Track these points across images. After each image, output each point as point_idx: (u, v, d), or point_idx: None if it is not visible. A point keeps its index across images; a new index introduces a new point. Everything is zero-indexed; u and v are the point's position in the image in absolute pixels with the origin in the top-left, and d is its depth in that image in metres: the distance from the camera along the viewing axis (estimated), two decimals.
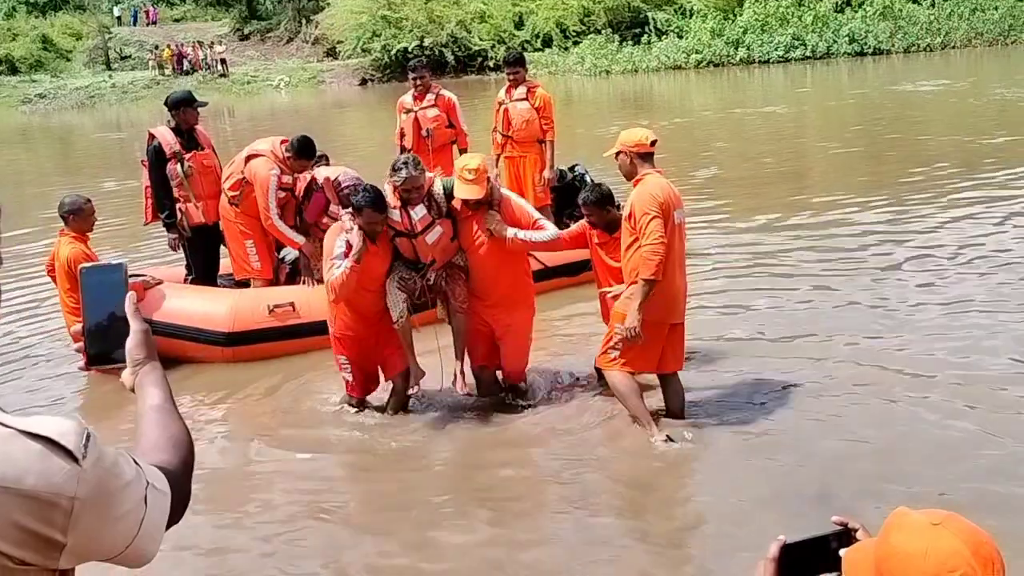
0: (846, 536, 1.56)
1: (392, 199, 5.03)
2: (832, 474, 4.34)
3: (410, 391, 5.31)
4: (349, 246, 4.94)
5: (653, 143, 4.78)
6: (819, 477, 4.32)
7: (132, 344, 1.46)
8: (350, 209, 5.03)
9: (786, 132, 16.55)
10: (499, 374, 5.52)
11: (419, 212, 5.03)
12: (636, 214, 4.55)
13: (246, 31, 45.81)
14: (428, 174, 5.16)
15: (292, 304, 6.40)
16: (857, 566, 1.53)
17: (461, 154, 8.28)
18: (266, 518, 4.41)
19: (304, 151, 6.55)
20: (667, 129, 17.44)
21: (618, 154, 4.80)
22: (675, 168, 12.61)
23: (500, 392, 5.51)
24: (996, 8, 31.94)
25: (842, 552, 1.52)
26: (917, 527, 1.45)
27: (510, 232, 5.01)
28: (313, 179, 6.68)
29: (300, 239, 6.67)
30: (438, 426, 5.24)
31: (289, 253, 7.15)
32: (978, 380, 5.16)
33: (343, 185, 6.45)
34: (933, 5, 33.15)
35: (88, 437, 1.09)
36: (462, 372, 5.25)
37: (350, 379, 5.33)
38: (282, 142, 6.63)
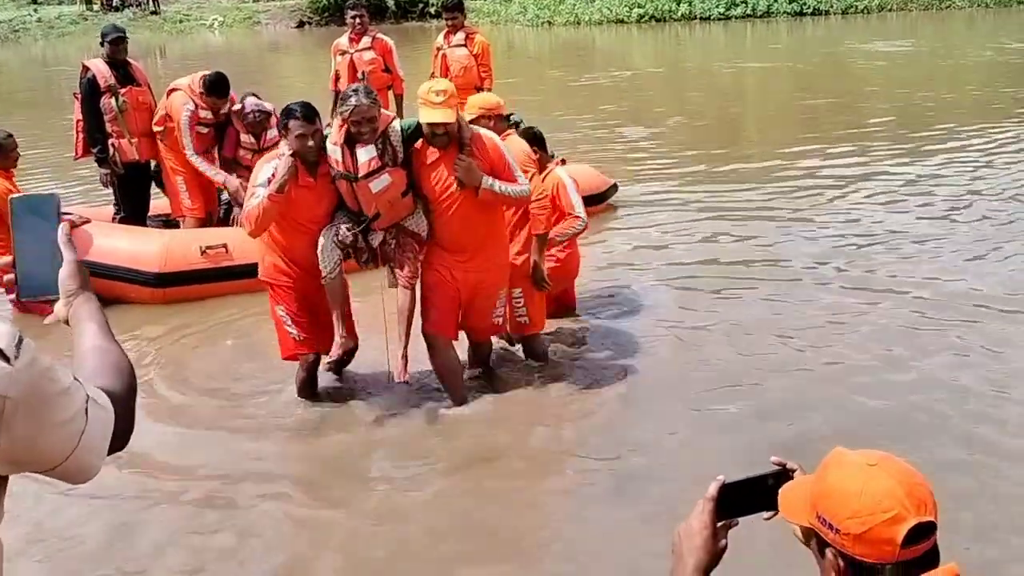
0: (784, 476, 1.61)
1: (337, 135, 4.31)
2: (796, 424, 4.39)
3: (328, 357, 4.64)
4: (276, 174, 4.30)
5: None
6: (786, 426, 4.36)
7: (65, 275, 1.45)
8: (281, 130, 4.37)
9: (812, 88, 16.68)
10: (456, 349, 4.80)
11: (367, 153, 4.28)
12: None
13: None
14: (385, 112, 4.48)
15: (225, 246, 6.33)
16: (793, 503, 1.58)
17: (397, 99, 8.22)
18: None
19: (214, 88, 6.47)
20: (611, 83, 17.48)
21: (479, 119, 4.82)
22: (620, 120, 12.74)
23: (459, 374, 4.77)
24: None
25: (781, 491, 1.58)
26: (854, 467, 1.49)
27: (486, 181, 4.30)
28: (225, 113, 6.62)
29: (220, 176, 6.61)
30: (368, 422, 4.64)
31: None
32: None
33: (246, 111, 6.40)
34: None
35: (20, 339, 1.09)
36: (404, 356, 4.56)
37: (294, 333, 4.56)
38: (201, 78, 6.55)
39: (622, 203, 8.32)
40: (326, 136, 4.36)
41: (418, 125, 4.34)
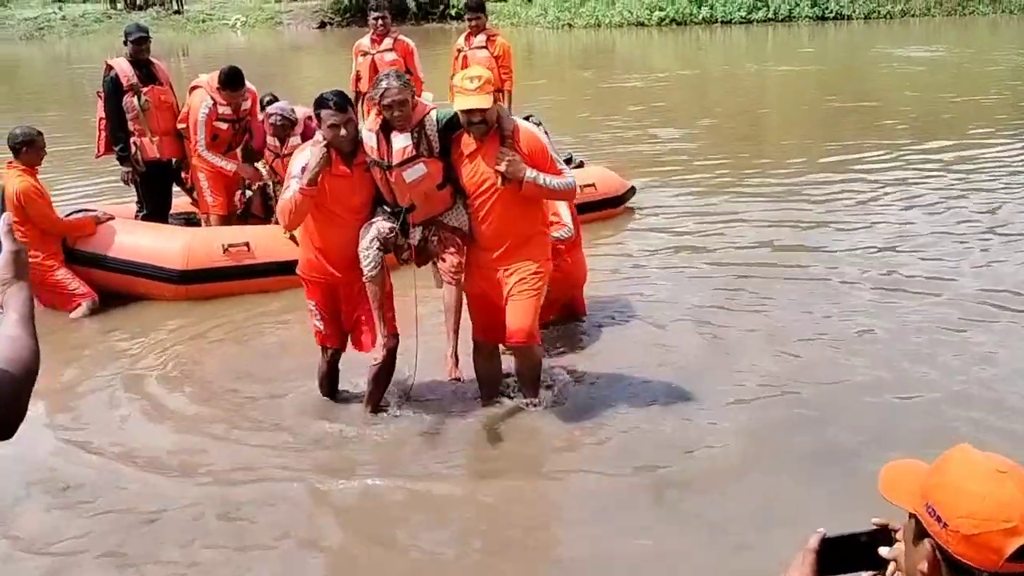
0: (884, 536, 1.56)
1: (372, 122, 4.20)
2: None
3: (373, 361, 4.43)
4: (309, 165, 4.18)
5: None
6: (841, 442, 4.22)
7: (1, 264, 1.51)
8: (315, 121, 4.27)
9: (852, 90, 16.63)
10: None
11: (402, 141, 4.13)
12: None
13: None
14: (423, 99, 4.37)
15: (247, 244, 6.37)
16: (900, 484, 1.53)
17: None
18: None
19: (229, 80, 6.57)
20: (635, 85, 17.46)
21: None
22: (640, 123, 12.72)
23: (498, 382, 4.69)
24: None
25: (882, 551, 1.53)
26: (981, 469, 1.44)
27: (530, 173, 4.09)
28: (245, 110, 6.74)
29: (231, 164, 6.74)
30: (416, 427, 4.49)
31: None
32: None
33: (270, 113, 6.47)
34: None
35: None
36: (454, 354, 4.34)
37: (320, 327, 4.55)
38: (219, 73, 6.65)
39: (645, 206, 8.34)
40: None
41: (455, 114, 4.14)
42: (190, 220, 7.19)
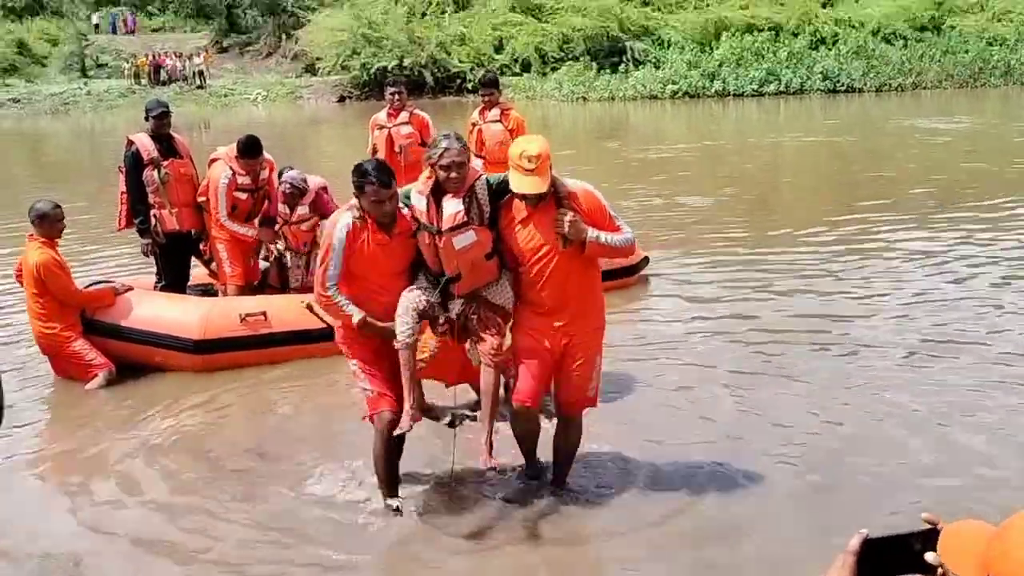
0: (933, 536, 1.43)
1: (423, 185, 4.02)
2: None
3: (398, 430, 4.10)
4: (354, 230, 3.99)
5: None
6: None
7: None
8: (353, 192, 4.04)
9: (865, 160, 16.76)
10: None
11: (453, 205, 3.96)
12: None
13: (225, 44, 45.75)
14: (475, 163, 4.20)
15: (264, 313, 6.40)
16: (959, 552, 1.40)
17: None
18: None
19: (246, 150, 6.70)
20: (649, 156, 17.63)
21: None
22: (656, 193, 12.81)
23: (537, 436, 4.44)
24: (967, 52, 32.64)
25: (927, 555, 1.40)
26: None
27: (591, 233, 3.93)
28: (264, 179, 6.91)
29: (250, 231, 6.88)
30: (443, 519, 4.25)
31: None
32: None
33: (282, 181, 6.64)
34: (906, 46, 33.82)
35: None
36: (489, 441, 4.08)
37: (369, 388, 4.18)
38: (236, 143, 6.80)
39: (669, 272, 8.43)
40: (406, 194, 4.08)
41: (506, 179, 3.98)
42: (207, 291, 7.26)
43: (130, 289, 6.62)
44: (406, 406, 4.07)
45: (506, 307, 4.13)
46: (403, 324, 4.01)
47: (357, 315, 4.03)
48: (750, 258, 9.04)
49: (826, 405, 5.36)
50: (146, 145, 6.87)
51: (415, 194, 4.04)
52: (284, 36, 43.61)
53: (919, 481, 4.45)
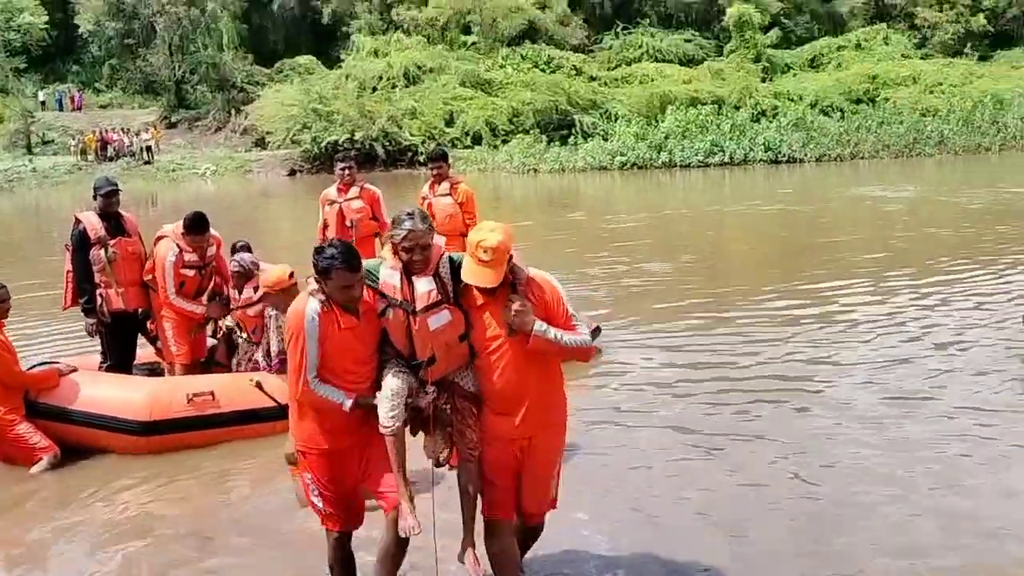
0: None
1: (394, 261, 3.76)
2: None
3: (405, 532, 3.71)
4: (324, 316, 3.66)
5: (291, 275, 5.31)
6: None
7: None
8: (315, 275, 3.72)
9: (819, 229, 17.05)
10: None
11: (425, 284, 3.71)
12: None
13: (174, 119, 45.77)
14: (437, 240, 3.84)
15: (212, 393, 6.29)
16: None
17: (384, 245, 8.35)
18: None
19: (192, 226, 6.69)
20: (599, 226, 17.84)
21: (266, 295, 5.25)
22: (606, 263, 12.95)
23: (518, 564, 4.00)
24: (901, 123, 33.85)
25: None
26: None
27: (539, 326, 3.67)
28: (218, 255, 6.91)
29: (199, 308, 6.82)
30: None
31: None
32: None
33: (232, 260, 6.63)
34: (843, 118, 34.99)
35: None
36: (472, 544, 3.86)
37: (321, 506, 3.91)
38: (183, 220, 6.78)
39: (621, 340, 8.53)
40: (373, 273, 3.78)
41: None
42: (154, 370, 7.14)
43: (75, 370, 6.48)
44: (403, 505, 3.70)
45: (479, 396, 3.84)
46: (388, 408, 3.69)
47: (347, 400, 3.72)
48: (711, 322, 9.21)
49: (801, 464, 5.51)
50: (93, 224, 6.80)
51: (386, 270, 3.76)
52: (234, 111, 43.81)
53: (896, 540, 4.57)
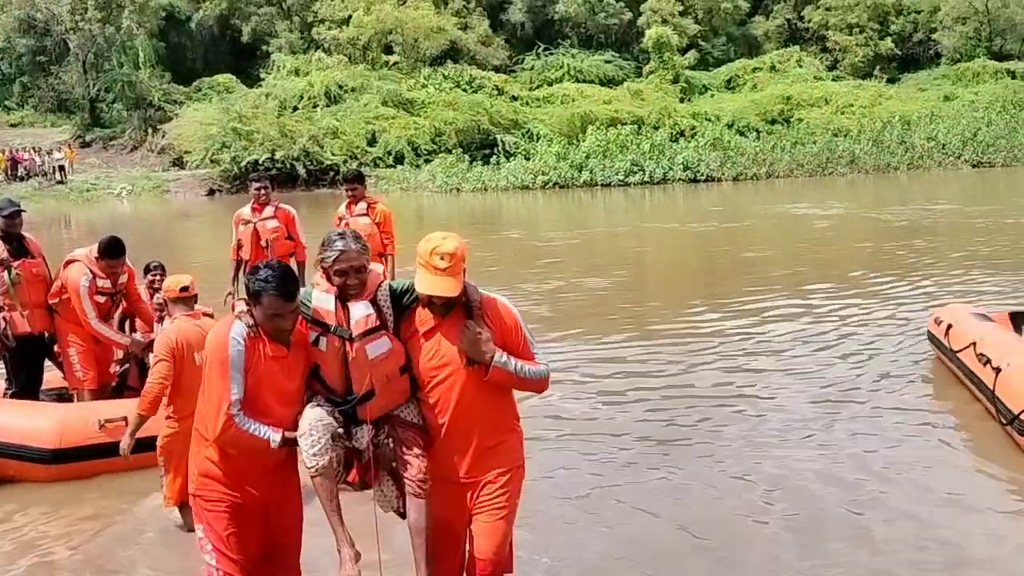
0: None
1: (325, 284, 3.42)
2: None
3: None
4: (250, 342, 3.29)
5: (183, 289, 5.21)
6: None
7: None
8: (245, 297, 3.39)
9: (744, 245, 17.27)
10: None
11: (362, 308, 3.36)
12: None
13: (88, 139, 44.58)
14: (374, 267, 3.54)
15: (125, 419, 6.08)
16: None
17: (299, 266, 8.23)
18: None
19: (107, 251, 6.49)
20: (517, 244, 17.92)
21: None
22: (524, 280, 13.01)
23: None
24: (815, 143, 34.98)
25: None
26: None
27: (499, 356, 3.33)
28: (122, 283, 6.69)
29: (124, 340, 6.63)
30: None
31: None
32: None
33: (151, 267, 6.51)
34: (758, 138, 35.93)
35: None
36: None
37: (216, 567, 3.40)
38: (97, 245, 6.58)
39: (574, 352, 8.57)
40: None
41: (410, 286, 3.43)
42: (62, 396, 6.89)
43: None
44: (344, 552, 3.29)
45: (421, 425, 3.44)
46: (311, 443, 3.27)
47: (276, 436, 3.29)
48: (649, 334, 9.47)
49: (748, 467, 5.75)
50: None
51: (319, 293, 3.40)
52: (151, 130, 42.86)
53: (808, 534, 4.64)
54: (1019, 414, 5.63)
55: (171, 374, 4.93)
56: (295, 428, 3.33)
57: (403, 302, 3.43)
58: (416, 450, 3.39)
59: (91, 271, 6.48)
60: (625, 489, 5.49)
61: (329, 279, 3.40)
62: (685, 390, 7.48)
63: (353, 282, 3.36)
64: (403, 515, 3.47)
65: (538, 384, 3.47)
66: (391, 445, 3.42)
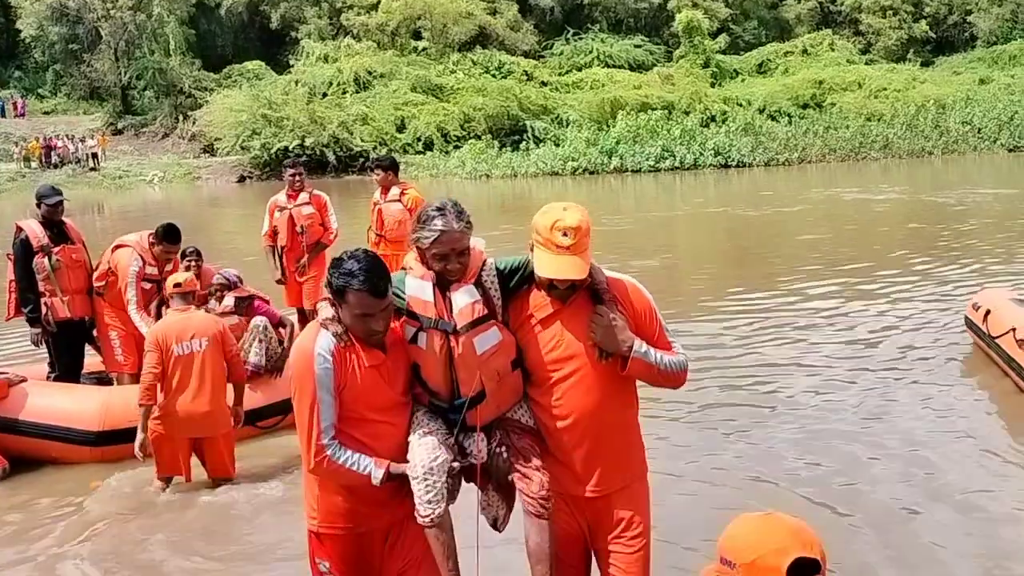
0: None
1: (422, 269, 2.90)
2: None
3: None
4: (340, 355, 2.80)
5: (176, 285, 5.58)
6: None
7: None
8: (329, 295, 2.86)
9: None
10: None
11: (465, 295, 2.83)
12: None
13: (120, 126, 45.03)
14: (476, 241, 2.92)
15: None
16: (735, 545, 1.98)
17: (321, 250, 8.31)
18: None
19: (168, 236, 6.56)
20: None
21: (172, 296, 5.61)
22: None
23: None
24: (848, 127, 34.55)
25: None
26: (753, 517, 2.00)
27: (637, 346, 2.83)
28: (169, 271, 6.76)
29: None
30: None
31: None
32: None
33: (215, 275, 6.53)
34: (790, 123, 35.57)
35: None
36: None
37: None
38: (150, 233, 6.63)
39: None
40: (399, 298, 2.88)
41: (521, 264, 2.94)
42: (103, 379, 6.99)
43: (24, 380, 6.33)
44: None
45: (536, 429, 2.96)
46: (425, 489, 2.78)
47: (378, 470, 2.81)
48: (710, 312, 9.59)
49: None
50: (35, 232, 6.65)
51: (414, 280, 2.88)
52: (181, 117, 43.22)
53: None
54: None
55: (160, 363, 5.31)
56: (406, 444, 2.88)
57: (511, 283, 2.93)
58: (536, 461, 2.88)
59: (141, 257, 6.55)
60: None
61: (425, 263, 2.88)
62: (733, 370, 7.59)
63: (455, 267, 2.83)
64: (498, 528, 3.03)
65: (677, 377, 2.94)
66: (505, 455, 2.89)
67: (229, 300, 6.59)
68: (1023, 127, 34.68)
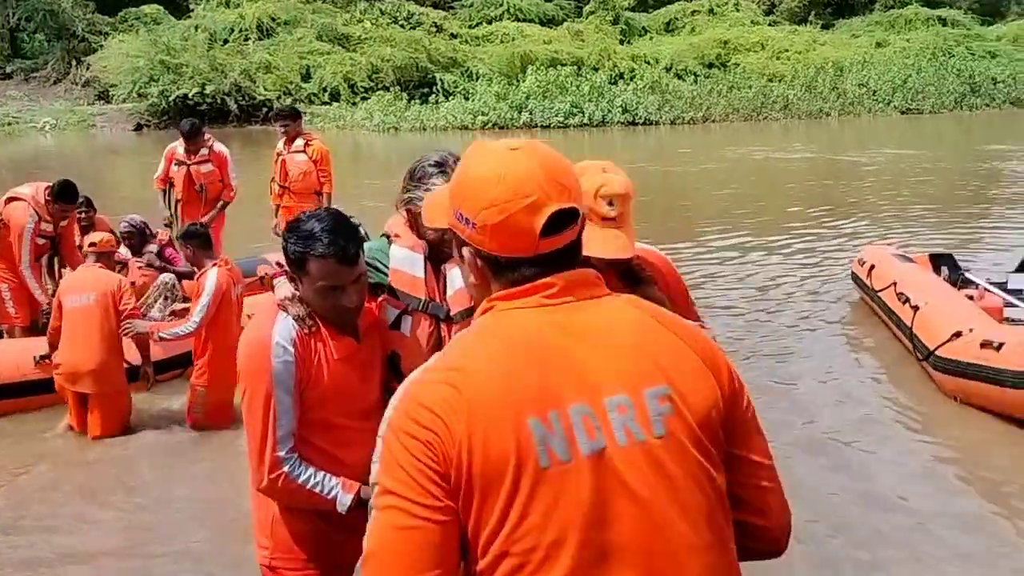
0: None
1: (411, 238, 2.43)
2: None
3: None
4: (303, 344, 2.30)
5: (91, 244, 5.61)
6: None
7: None
8: (288, 267, 2.39)
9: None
10: None
11: (460, 277, 2.02)
12: None
13: (8, 70, 42.82)
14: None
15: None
16: (436, 208, 1.48)
17: (222, 207, 8.16)
18: None
19: (63, 194, 6.40)
20: None
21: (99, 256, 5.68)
22: None
23: None
24: (750, 87, 35.24)
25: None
26: (493, 153, 1.36)
27: None
28: (63, 226, 6.60)
29: (43, 298, 6.51)
30: None
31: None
32: None
33: (121, 223, 6.42)
34: (696, 82, 36.10)
35: None
36: None
37: None
38: (47, 188, 6.45)
39: None
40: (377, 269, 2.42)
41: None
42: None
43: None
44: None
45: None
46: None
47: (346, 495, 2.32)
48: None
49: None
50: None
51: (399, 250, 2.42)
52: (74, 62, 41.29)
53: None
54: (934, 350, 5.93)
55: (58, 317, 5.45)
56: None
57: None
58: None
59: (37, 213, 6.36)
60: None
61: (417, 231, 2.38)
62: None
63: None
64: None
65: None
66: None
67: (153, 249, 6.59)
68: (915, 90, 35.94)
